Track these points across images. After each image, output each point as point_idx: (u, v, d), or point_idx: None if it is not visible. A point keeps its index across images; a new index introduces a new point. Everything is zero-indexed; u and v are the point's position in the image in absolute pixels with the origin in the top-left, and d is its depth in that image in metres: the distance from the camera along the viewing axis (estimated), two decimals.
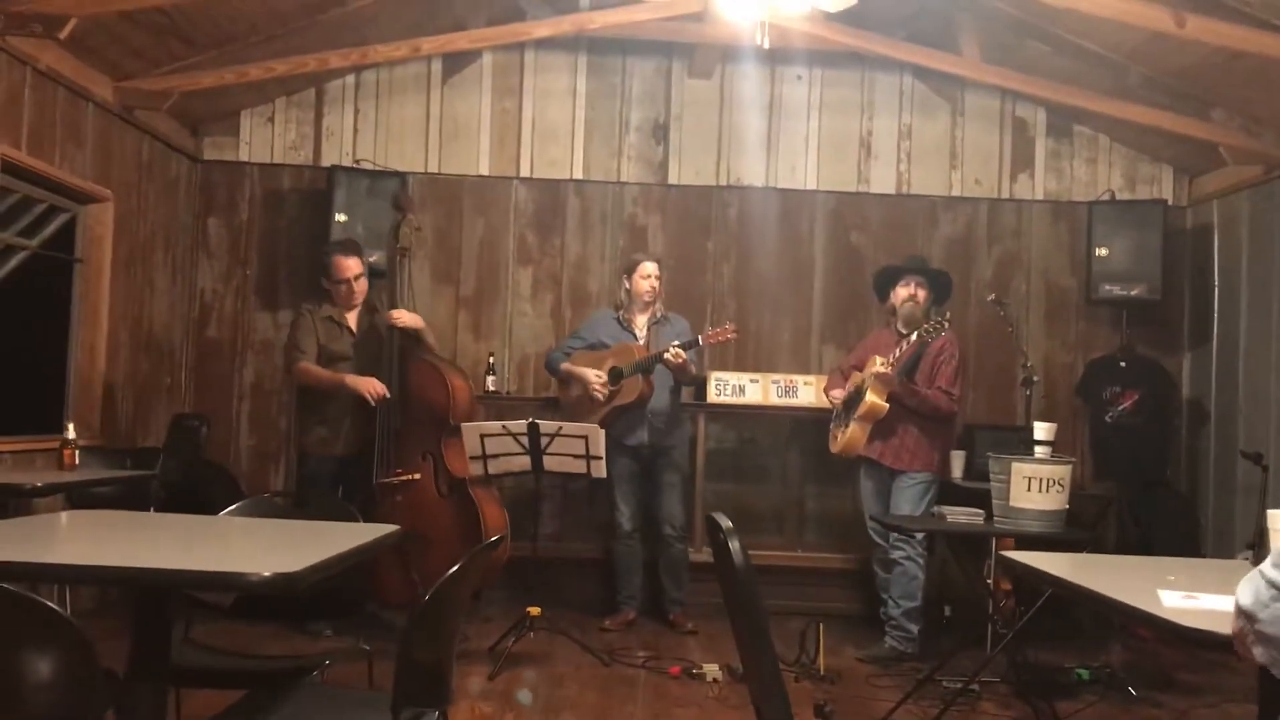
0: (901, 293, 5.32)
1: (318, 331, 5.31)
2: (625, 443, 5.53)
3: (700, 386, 6.22)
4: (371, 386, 5.14)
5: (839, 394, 5.38)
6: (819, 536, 6.37)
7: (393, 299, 5.32)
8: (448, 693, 2.40)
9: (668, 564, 5.69)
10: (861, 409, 5.11)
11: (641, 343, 5.60)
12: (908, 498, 5.18)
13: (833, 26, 5.81)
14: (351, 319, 5.41)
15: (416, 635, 2.20)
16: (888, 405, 5.07)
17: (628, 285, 5.70)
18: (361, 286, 5.36)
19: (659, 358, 5.36)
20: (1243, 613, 1.60)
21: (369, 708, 2.42)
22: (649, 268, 5.66)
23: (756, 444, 6.53)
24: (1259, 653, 1.62)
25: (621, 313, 5.73)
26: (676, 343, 5.35)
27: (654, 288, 5.66)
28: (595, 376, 5.50)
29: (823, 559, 6.20)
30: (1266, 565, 1.59)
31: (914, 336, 5.01)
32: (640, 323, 5.69)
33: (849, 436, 5.21)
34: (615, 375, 5.50)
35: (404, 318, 5.25)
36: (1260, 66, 5.19)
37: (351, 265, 5.34)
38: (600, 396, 5.48)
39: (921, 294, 5.30)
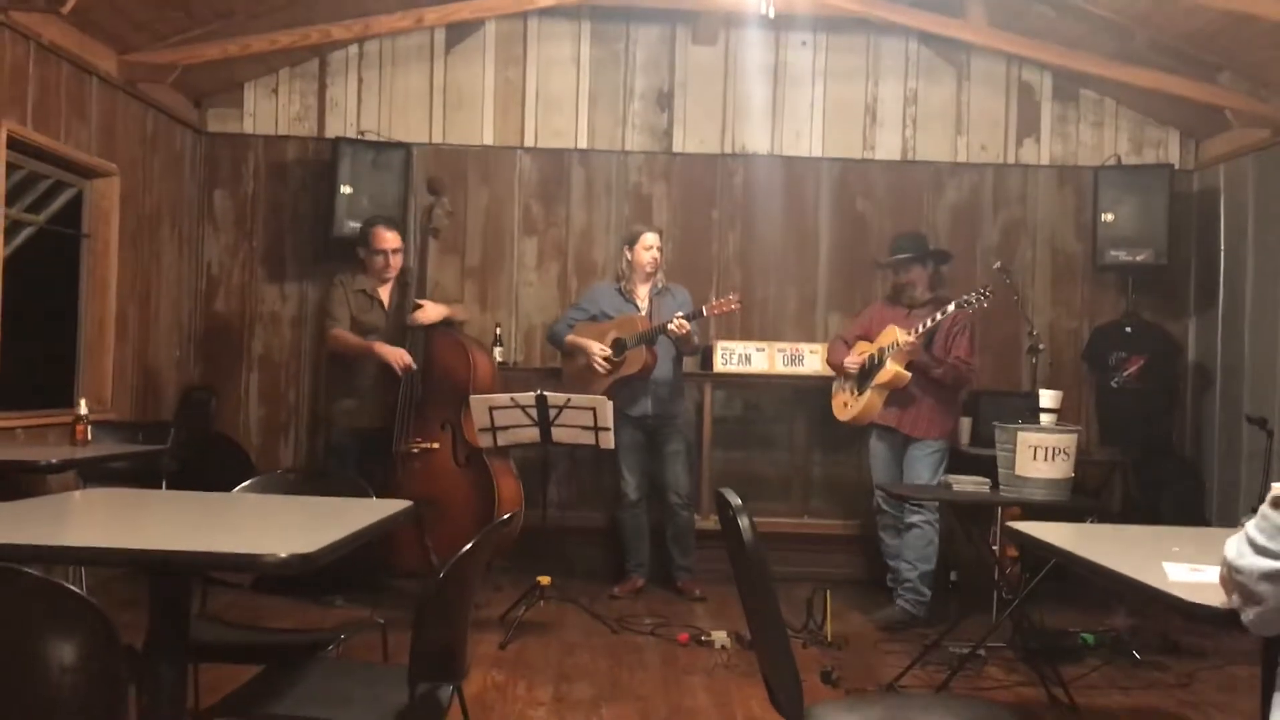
0: (901, 281, 5.40)
1: (350, 303, 5.43)
2: (629, 413, 5.56)
3: (706, 355, 6.24)
4: (400, 356, 5.25)
5: (855, 361, 5.39)
6: (825, 503, 6.41)
7: (421, 281, 5.37)
8: (462, 667, 2.43)
9: (675, 532, 5.73)
10: (883, 377, 5.14)
11: (644, 314, 5.61)
12: (926, 465, 5.23)
13: None
14: (384, 293, 5.50)
15: (431, 613, 2.23)
16: (910, 374, 5.11)
17: (629, 256, 5.70)
18: (397, 261, 5.49)
19: (663, 329, 5.38)
20: (1226, 561, 1.84)
21: (385, 682, 2.46)
22: (650, 238, 5.67)
23: (762, 412, 6.56)
24: (1234, 598, 1.84)
25: (623, 284, 5.73)
26: (680, 314, 5.37)
27: (655, 259, 5.67)
28: (599, 349, 5.52)
29: (829, 525, 6.25)
30: (1252, 523, 1.81)
31: (952, 306, 5.02)
32: (642, 294, 5.70)
33: (865, 404, 5.26)
34: (619, 347, 5.53)
35: (428, 314, 5.31)
36: (1269, 29, 5.16)
37: (391, 239, 5.48)
38: (602, 369, 5.51)
39: (915, 275, 5.34)
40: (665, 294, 5.70)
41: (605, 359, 5.51)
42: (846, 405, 5.42)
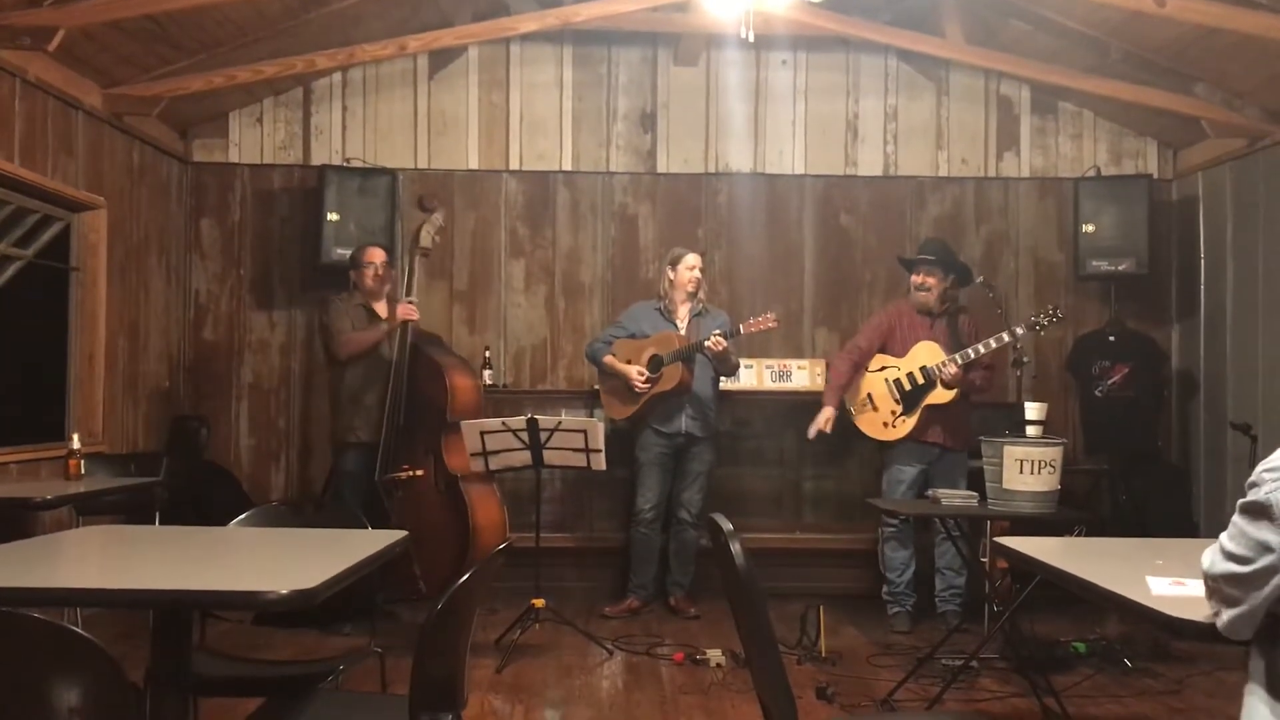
0: (914, 280, 5.51)
1: (350, 315, 5.45)
2: (663, 429, 5.65)
3: None
4: (405, 310, 5.31)
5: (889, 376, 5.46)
6: (817, 517, 6.44)
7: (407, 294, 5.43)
8: (462, 697, 2.46)
9: (677, 546, 5.78)
10: (940, 398, 5.28)
11: (683, 333, 5.68)
12: (963, 473, 5.43)
13: (817, 12, 5.83)
14: (381, 309, 5.53)
15: (430, 645, 2.26)
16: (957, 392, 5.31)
17: (671, 276, 5.77)
18: (387, 275, 5.56)
19: (699, 346, 5.46)
20: (1203, 571, 1.89)
21: (385, 713, 2.49)
22: (693, 259, 5.76)
23: (752, 428, 6.58)
24: (1210, 604, 1.89)
25: (664, 303, 5.80)
26: (717, 331, 5.43)
27: (697, 279, 5.75)
28: (637, 373, 5.59)
29: (821, 540, 6.27)
30: (1225, 532, 1.84)
31: (1020, 329, 5.10)
32: (682, 314, 5.78)
33: (915, 420, 5.36)
34: (655, 363, 5.59)
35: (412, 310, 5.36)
36: (1239, 41, 5.25)
37: (379, 253, 5.58)
38: (641, 390, 5.58)
39: (931, 280, 5.44)
40: (705, 315, 5.77)
41: (643, 379, 5.57)
42: (889, 425, 5.46)
